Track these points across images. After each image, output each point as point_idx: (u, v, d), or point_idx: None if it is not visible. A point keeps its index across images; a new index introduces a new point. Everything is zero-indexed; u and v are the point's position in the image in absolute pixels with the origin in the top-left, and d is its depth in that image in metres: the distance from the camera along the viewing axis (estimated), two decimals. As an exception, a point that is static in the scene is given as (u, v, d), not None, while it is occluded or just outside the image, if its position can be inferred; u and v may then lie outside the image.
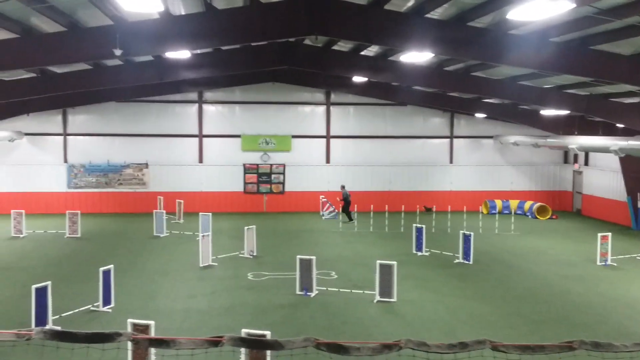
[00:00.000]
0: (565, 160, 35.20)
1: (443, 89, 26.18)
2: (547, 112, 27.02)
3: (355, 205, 28.83)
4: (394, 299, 15.78)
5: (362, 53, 21.00)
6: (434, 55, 16.95)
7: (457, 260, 20.82)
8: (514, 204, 32.79)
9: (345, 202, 29.38)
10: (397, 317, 14.74)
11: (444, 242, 23.97)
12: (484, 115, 32.15)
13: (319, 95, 33.25)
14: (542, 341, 8.32)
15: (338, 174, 33.14)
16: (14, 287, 17.00)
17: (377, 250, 22.56)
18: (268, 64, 23.15)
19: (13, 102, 26.80)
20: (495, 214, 30.94)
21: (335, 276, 18.60)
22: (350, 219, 28.94)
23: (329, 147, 33.28)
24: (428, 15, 13.86)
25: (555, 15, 11.02)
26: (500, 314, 15.10)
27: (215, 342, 2.82)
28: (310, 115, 33.26)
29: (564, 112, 25.96)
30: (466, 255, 20.66)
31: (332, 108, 33.31)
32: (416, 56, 17.52)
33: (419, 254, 21.89)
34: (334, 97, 33.22)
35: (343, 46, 20.68)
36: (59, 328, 2.61)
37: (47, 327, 13.29)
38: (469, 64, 20.15)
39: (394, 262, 16.04)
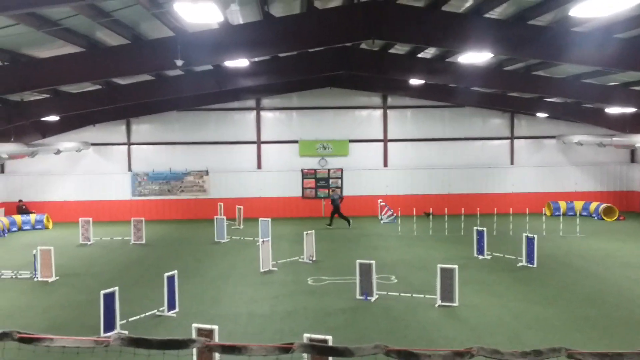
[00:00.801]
0: (633, 160, 33.98)
1: (503, 90, 25.71)
2: (613, 110, 26.16)
3: (415, 209, 28.55)
4: (456, 304, 15.55)
5: (419, 55, 20.84)
6: (493, 55, 16.68)
7: (520, 264, 20.37)
8: (578, 205, 31.86)
9: (334, 206, 29.14)
10: (460, 321, 14.51)
11: (506, 245, 23.48)
12: (546, 115, 31.39)
13: (376, 99, 33.18)
14: (612, 347, 8.05)
15: (396, 177, 32.97)
16: (84, 292, 17.57)
17: (437, 253, 22.30)
18: (325, 70, 23.24)
19: (80, 114, 27.82)
20: (559, 215, 30.13)
21: (396, 280, 18.47)
22: (329, 224, 28.82)
23: (386, 150, 33.14)
24: (487, 15, 13.65)
25: (621, 10, 10.67)
26: (566, 318, 14.67)
27: (286, 349, 2.85)
28: (367, 119, 33.21)
29: (630, 110, 25.08)
30: (530, 258, 20.19)
31: (389, 111, 33.17)
32: (475, 57, 17.27)
33: (481, 257, 21.53)
34: (390, 101, 33.08)
35: (400, 49, 20.58)
36: (131, 334, 2.70)
37: (124, 332, 13.67)
38: (529, 63, 19.72)
39: (455, 266, 15.81)
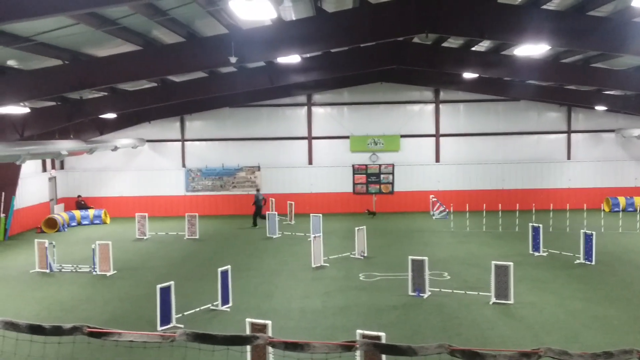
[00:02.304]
0: (697, 154, 32.69)
1: (560, 82, 25.08)
2: (676, 102, 25.19)
3: (467, 205, 28.15)
4: (511, 301, 15.28)
5: (473, 49, 20.51)
6: (550, 47, 16.26)
7: (577, 261, 19.86)
8: (638, 200, 30.83)
9: (257, 206, 28.92)
10: (515, 320, 14.25)
11: (562, 241, 22.93)
12: (605, 108, 30.45)
13: (428, 94, 32.83)
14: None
15: (448, 173, 32.59)
16: (140, 286, 17.97)
17: (490, 250, 21.95)
18: (377, 64, 23.12)
19: (136, 111, 28.46)
20: (618, 211, 29.23)
21: (448, 277, 18.26)
22: (255, 224, 28.59)
23: (438, 145, 32.78)
24: (544, 7, 13.32)
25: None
26: (626, 317, 14.22)
27: (349, 347, 2.83)
28: (418, 114, 32.90)
29: (695, 102, 24.11)
30: (587, 255, 19.66)
31: (441, 106, 32.78)
32: (531, 49, 16.87)
33: (536, 254, 21.08)
34: (443, 95, 32.68)
35: (453, 43, 20.29)
36: (195, 330, 2.74)
37: (180, 326, 13.92)
38: (588, 55, 19.18)
39: (510, 263, 15.53)
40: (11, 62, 15.06)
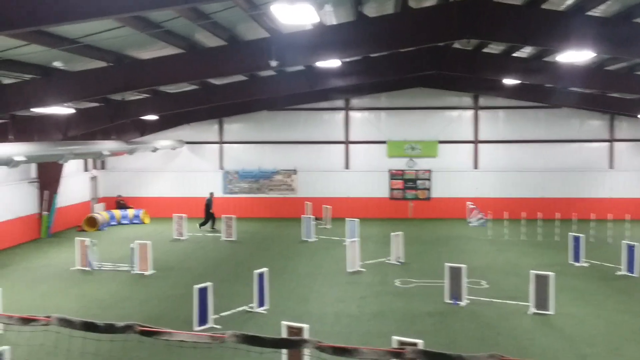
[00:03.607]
0: None
1: (603, 90, 24.59)
2: None
3: (506, 213, 27.74)
4: (551, 312, 15.01)
5: (515, 55, 20.25)
6: (595, 54, 15.95)
7: (619, 272, 19.41)
8: (684, 212, 30.01)
9: (207, 208, 28.94)
10: (555, 330, 13.99)
11: (604, 252, 22.46)
12: (649, 117, 29.76)
13: (467, 99, 32.53)
14: None
15: (486, 179, 32.21)
16: (178, 286, 18.18)
17: (529, 259, 21.60)
18: (416, 70, 23.00)
19: (176, 113, 28.84)
20: (662, 223, 28.49)
21: (486, 285, 18.04)
22: (202, 225, 28.75)
23: (476, 152, 32.44)
24: (590, 13, 13.08)
25: None
26: (672, 333, 13.85)
27: (397, 353, 2.81)
28: (457, 120, 32.62)
29: None
30: (630, 267, 19.20)
31: (480, 112, 32.45)
32: (574, 56, 16.57)
33: (577, 264, 20.68)
34: (482, 101, 32.34)
35: (494, 48, 20.08)
36: (245, 332, 2.75)
37: (217, 327, 14.03)
38: (633, 62, 18.75)
39: (551, 273, 15.26)
40: (57, 64, 15.41)
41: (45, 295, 17.45)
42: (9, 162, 16.49)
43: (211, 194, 29.89)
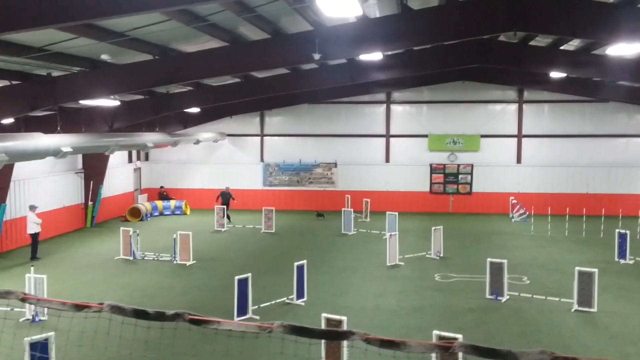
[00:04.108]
0: None
1: (653, 84, 23.90)
2: None
3: (549, 208, 27.26)
4: (594, 309, 14.74)
5: (562, 48, 19.82)
6: (645, 47, 15.51)
7: (668, 272, 18.93)
8: None
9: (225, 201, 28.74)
10: (598, 328, 13.74)
11: (651, 250, 21.90)
12: (701, 112, 28.80)
13: (511, 93, 32.00)
14: None
15: (530, 174, 31.69)
16: (218, 277, 18.41)
17: (573, 256, 21.20)
18: (460, 63, 22.71)
19: (218, 106, 29.11)
20: None
21: (528, 281, 17.80)
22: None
23: (520, 146, 31.91)
24: (641, 5, 12.71)
25: None
26: None
27: (446, 347, 2.80)
28: (500, 114, 32.13)
29: None
30: (679, 266, 18.69)
31: (524, 106, 31.89)
32: (624, 49, 16.13)
33: (622, 261, 20.21)
34: (527, 95, 31.78)
35: (541, 41, 19.68)
36: (293, 323, 2.78)
37: (256, 318, 14.17)
38: (686, 55, 18.18)
39: (595, 270, 14.96)
40: (104, 57, 15.70)
41: (89, 283, 17.87)
42: (56, 153, 16.89)
43: (227, 187, 30.00)
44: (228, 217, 28.21)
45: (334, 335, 2.78)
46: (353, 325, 13.24)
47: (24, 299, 3.31)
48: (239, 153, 34.12)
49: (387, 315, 14.77)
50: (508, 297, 15.92)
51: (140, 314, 3.03)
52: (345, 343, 10.90)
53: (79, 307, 3.06)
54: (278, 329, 2.78)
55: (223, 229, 26.81)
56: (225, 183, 31.25)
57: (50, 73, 16.31)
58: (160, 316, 3.01)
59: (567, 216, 26.32)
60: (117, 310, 3.02)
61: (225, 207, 28.08)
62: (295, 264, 15.61)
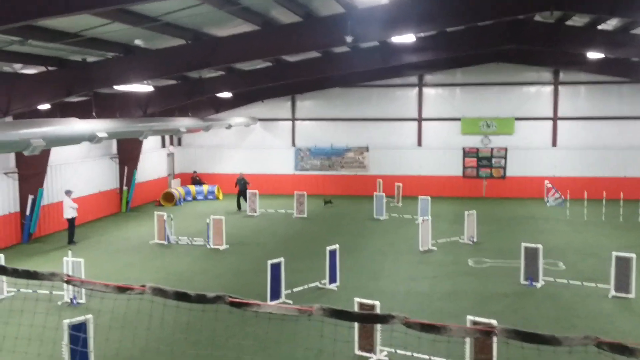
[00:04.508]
0: None
1: (693, 64, 23.22)
2: None
3: (585, 192, 26.78)
4: (632, 295, 14.47)
5: (600, 27, 19.35)
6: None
7: None
8: None
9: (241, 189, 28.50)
10: (636, 315, 13.52)
11: (692, 235, 21.41)
12: None
13: (546, 75, 31.40)
14: None
15: (565, 158, 31.15)
16: (251, 261, 18.54)
17: (610, 241, 20.82)
18: (494, 44, 22.34)
19: (250, 90, 29.17)
20: None
21: (563, 267, 17.55)
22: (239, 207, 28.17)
23: (555, 129, 31.36)
24: (684, -19, 12.32)
25: None
26: None
27: (487, 332, 2.76)
28: (535, 96, 31.59)
29: None
30: None
31: (560, 87, 31.28)
32: (665, 28, 15.68)
33: (662, 247, 19.80)
34: (563, 76, 31.15)
35: (578, 21, 19.24)
36: (333, 306, 2.77)
37: (289, 302, 14.25)
38: None
39: (633, 255, 14.67)
40: (138, 42, 15.80)
41: (125, 267, 18.17)
42: (92, 138, 17.12)
43: (241, 173, 29.87)
44: (239, 206, 28.29)
45: (374, 318, 2.76)
46: (385, 309, 13.22)
47: (69, 281, 3.36)
48: (271, 137, 34.19)
49: (420, 300, 14.72)
50: (543, 282, 15.73)
51: (181, 296, 3.05)
52: (379, 326, 10.94)
53: (121, 289, 3.10)
54: (318, 312, 2.78)
55: (255, 214, 26.96)
56: (249, 168, 31.52)
57: (85, 59, 16.50)
58: (201, 298, 3.03)
59: (604, 200, 25.85)
60: (158, 292, 3.05)
61: (241, 194, 28.30)
62: (328, 248, 15.63)
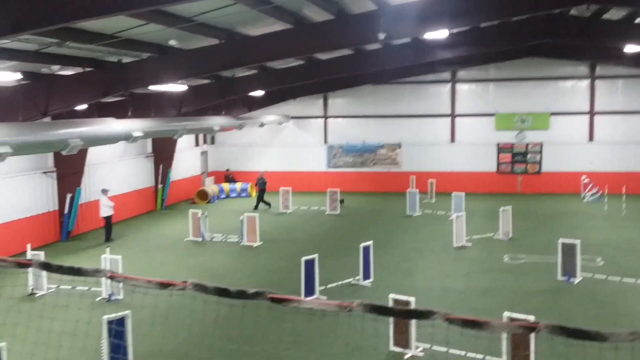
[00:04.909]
0: None
1: None
2: None
3: (624, 188, 26.25)
4: (674, 292, 14.18)
5: (638, 21, 18.93)
6: None
7: None
8: None
9: (260, 189, 27.91)
10: (678, 311, 13.23)
11: None
12: None
13: (582, 69, 30.86)
14: None
15: (603, 153, 30.58)
16: (284, 258, 18.62)
17: (650, 237, 20.41)
18: (528, 39, 22.03)
19: (282, 89, 29.29)
20: None
21: (602, 262, 17.24)
22: (256, 207, 27.49)
23: (592, 124, 30.81)
24: None
25: None
26: None
27: (532, 328, 2.74)
28: (571, 91, 31.06)
29: None
30: None
31: (597, 82, 30.72)
32: None
33: (703, 243, 19.35)
34: (599, 70, 30.57)
35: (614, 14, 18.86)
36: (372, 302, 2.78)
37: (323, 298, 14.30)
38: None
39: (674, 252, 14.38)
40: (172, 42, 15.98)
41: (161, 264, 18.41)
42: (128, 137, 17.41)
43: (262, 173, 29.19)
44: (256, 207, 27.63)
45: (415, 314, 2.77)
46: (420, 306, 13.20)
47: (112, 277, 3.44)
48: (303, 135, 34.28)
49: (455, 296, 14.63)
50: (581, 278, 15.49)
51: (222, 292, 3.10)
52: (414, 322, 10.89)
53: (163, 285, 3.15)
54: (358, 308, 2.79)
55: (288, 211, 27.06)
56: (282, 166, 31.45)
57: (121, 59, 16.76)
58: (241, 294, 3.07)
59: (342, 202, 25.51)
60: (200, 288, 3.10)
61: (260, 194, 28.10)
62: (361, 245, 15.62)
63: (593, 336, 2.60)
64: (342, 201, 27.89)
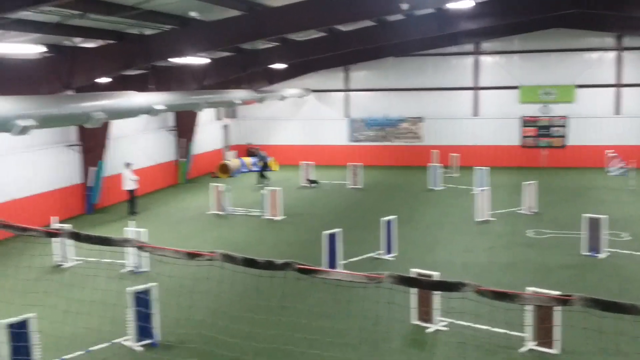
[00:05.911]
0: None
1: None
2: None
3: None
4: (702, 267, 13.98)
5: (668, -11, 18.45)
6: None
7: None
8: None
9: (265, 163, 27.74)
10: None
11: None
12: None
13: (609, 40, 30.18)
14: None
15: (629, 126, 30.04)
16: (307, 231, 18.66)
17: (677, 212, 20.09)
18: (555, 8, 21.57)
19: (303, 61, 29.09)
20: None
21: (628, 238, 17.02)
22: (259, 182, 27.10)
23: (619, 96, 30.22)
24: None
25: None
26: None
27: (563, 301, 2.69)
28: (597, 63, 30.44)
29: None
30: None
31: (624, 53, 30.04)
32: None
33: None
34: (627, 41, 29.87)
35: (644, -18, 18.38)
36: (402, 273, 2.76)
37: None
38: None
39: (703, 226, 14.13)
40: (193, 14, 15.89)
41: (184, 237, 18.54)
42: (150, 111, 17.43)
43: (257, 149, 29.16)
44: (261, 182, 27.31)
45: (445, 286, 2.73)
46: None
47: (141, 247, 3.44)
48: (324, 108, 34.10)
49: (478, 270, 14.55)
50: (606, 253, 15.31)
51: (249, 263, 3.08)
52: (438, 297, 10.85)
53: (192, 256, 3.15)
54: (387, 280, 2.75)
55: (310, 185, 27.04)
56: (303, 139, 31.30)
57: (142, 32, 16.72)
58: (269, 265, 3.05)
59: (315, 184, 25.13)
60: (228, 258, 3.09)
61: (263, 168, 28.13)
62: (384, 219, 15.57)
63: (628, 309, 2.54)
64: (314, 182, 27.23)
